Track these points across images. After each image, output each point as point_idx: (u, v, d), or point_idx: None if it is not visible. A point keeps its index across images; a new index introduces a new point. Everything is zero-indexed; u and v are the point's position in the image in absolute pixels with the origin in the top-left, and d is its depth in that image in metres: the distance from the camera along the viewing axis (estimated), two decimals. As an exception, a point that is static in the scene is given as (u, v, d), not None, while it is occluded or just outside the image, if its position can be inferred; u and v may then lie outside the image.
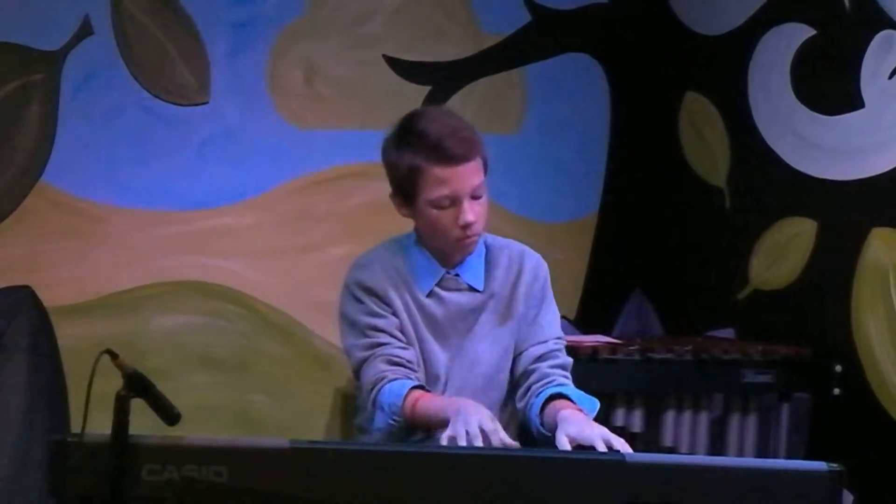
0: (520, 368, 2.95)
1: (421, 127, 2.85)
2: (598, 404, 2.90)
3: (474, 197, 2.85)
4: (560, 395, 2.84)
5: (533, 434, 2.87)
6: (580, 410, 2.79)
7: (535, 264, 3.01)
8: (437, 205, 2.84)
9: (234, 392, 4.43)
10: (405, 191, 2.88)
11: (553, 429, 2.72)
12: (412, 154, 2.83)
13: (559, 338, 3.00)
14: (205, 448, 2.29)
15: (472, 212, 2.84)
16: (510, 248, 3.02)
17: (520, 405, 2.93)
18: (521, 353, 2.96)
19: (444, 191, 2.82)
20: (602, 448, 2.59)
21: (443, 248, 2.92)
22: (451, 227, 2.86)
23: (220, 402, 4.39)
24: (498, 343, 2.96)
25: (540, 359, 2.94)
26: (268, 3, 4.44)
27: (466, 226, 2.84)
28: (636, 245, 4.98)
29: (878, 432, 4.10)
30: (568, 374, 2.97)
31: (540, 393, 2.87)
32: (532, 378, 2.92)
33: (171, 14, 4.32)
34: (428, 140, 2.82)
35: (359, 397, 3.03)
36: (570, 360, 3.00)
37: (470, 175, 2.83)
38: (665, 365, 4.22)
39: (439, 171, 2.81)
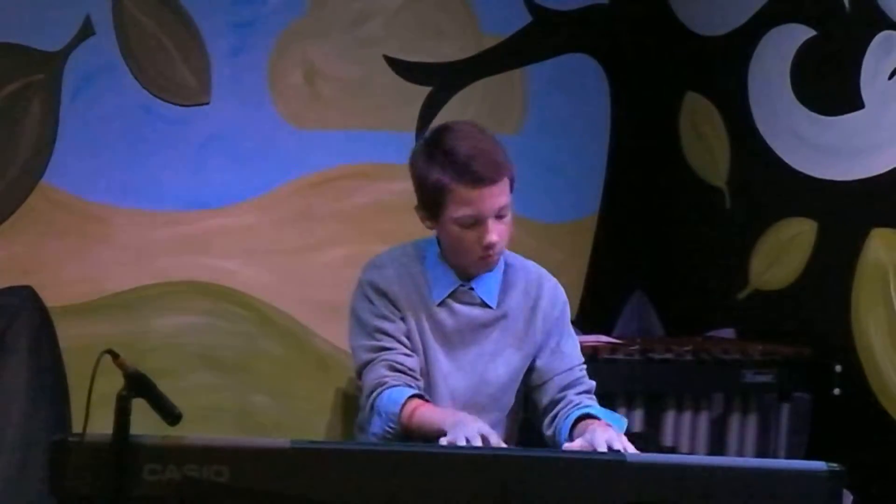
0: (547, 397, 2.96)
1: (450, 144, 2.84)
2: (625, 422, 2.90)
3: (499, 217, 2.85)
4: (587, 416, 2.85)
5: None
6: (610, 426, 2.80)
7: (554, 290, 3.02)
8: (461, 223, 2.84)
9: (234, 392, 4.44)
10: (430, 205, 2.87)
11: None
12: (440, 172, 2.82)
13: (582, 363, 3.01)
14: (206, 448, 2.29)
15: (496, 232, 2.85)
16: (528, 270, 3.02)
17: (548, 433, 2.94)
18: (546, 382, 2.96)
19: (469, 211, 2.82)
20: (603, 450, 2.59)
21: (463, 264, 2.92)
22: (473, 245, 2.86)
23: (221, 402, 4.40)
24: (509, 365, 2.96)
25: (567, 387, 2.95)
26: (268, 4, 4.44)
27: (489, 246, 2.85)
28: (636, 245, 4.98)
29: (878, 432, 4.10)
30: (593, 398, 2.97)
31: (567, 416, 2.88)
32: (560, 405, 2.93)
33: (172, 14, 4.32)
34: (456, 159, 2.81)
35: (360, 396, 3.03)
36: (593, 383, 3.00)
37: (496, 196, 2.83)
38: (665, 365, 4.23)
39: (465, 192, 2.81)
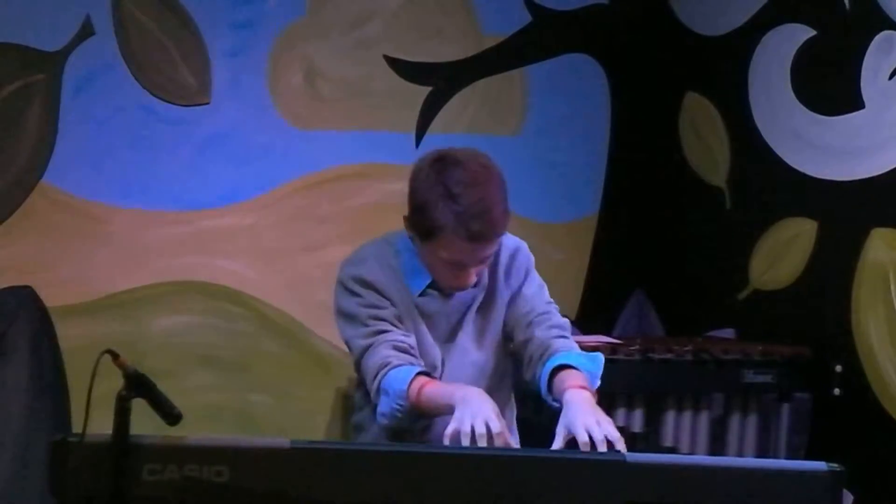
0: (517, 339, 2.96)
1: (457, 189, 2.77)
2: (601, 359, 2.89)
3: (481, 261, 2.85)
4: (564, 366, 2.84)
5: (545, 404, 2.86)
6: (584, 386, 2.78)
7: (512, 246, 3.00)
8: (444, 260, 2.84)
9: (234, 392, 4.44)
10: (420, 231, 2.84)
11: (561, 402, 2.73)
12: (439, 212, 2.77)
13: (548, 302, 3.00)
14: (206, 448, 2.30)
15: (476, 273, 2.86)
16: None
17: (527, 377, 2.94)
18: (513, 329, 2.97)
19: (456, 257, 2.82)
20: (585, 449, 2.59)
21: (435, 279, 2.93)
22: (450, 279, 2.87)
23: (220, 402, 4.40)
24: (495, 340, 2.98)
25: (531, 325, 2.95)
26: (268, 4, 4.45)
27: (465, 286, 2.87)
28: (636, 245, 4.98)
29: (878, 432, 4.11)
30: (566, 334, 2.97)
31: (546, 363, 2.87)
32: (530, 348, 2.93)
33: (172, 14, 4.33)
34: (458, 209, 2.76)
35: (356, 395, 3.03)
36: (565, 320, 3.00)
37: (486, 249, 2.83)
38: (665, 365, 4.23)
39: (458, 243, 2.78)
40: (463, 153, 2.86)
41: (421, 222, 2.83)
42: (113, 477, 2.22)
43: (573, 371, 2.83)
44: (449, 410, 2.67)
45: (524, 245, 3.04)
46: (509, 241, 3.02)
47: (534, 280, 3.02)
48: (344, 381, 4.46)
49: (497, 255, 2.97)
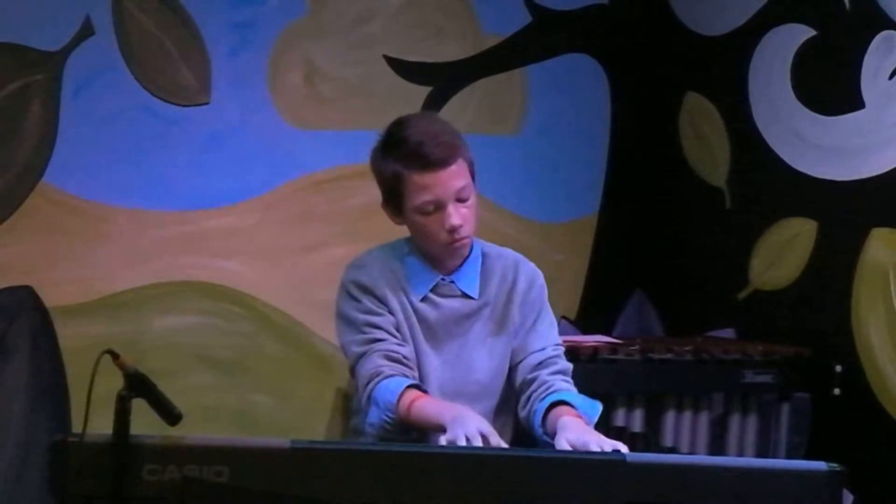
0: (520, 377, 2.96)
1: (402, 134, 2.87)
2: (600, 407, 2.90)
3: (460, 200, 2.86)
4: (562, 402, 2.84)
5: (537, 442, 2.87)
6: (581, 417, 2.80)
7: (530, 273, 3.02)
8: (422, 210, 2.86)
9: (234, 392, 4.44)
10: (393, 199, 2.91)
11: (555, 435, 2.73)
12: (394, 162, 2.86)
13: (558, 344, 3.01)
14: (206, 448, 2.30)
15: (458, 215, 2.85)
16: (505, 257, 3.03)
17: (522, 414, 2.94)
18: (520, 362, 2.97)
19: (427, 196, 2.84)
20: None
21: (435, 254, 2.94)
22: (438, 232, 2.87)
23: (220, 402, 4.40)
24: (493, 352, 2.97)
25: (539, 366, 2.95)
26: (268, 4, 4.45)
27: (453, 229, 2.86)
28: (636, 245, 4.98)
29: (878, 432, 4.11)
30: (569, 379, 2.97)
31: (543, 399, 2.88)
32: (533, 386, 2.93)
33: (172, 14, 4.33)
34: (407, 146, 2.84)
35: (354, 399, 3.04)
36: (569, 365, 3.00)
37: (452, 179, 2.84)
38: (665, 365, 4.23)
39: (419, 178, 2.83)
40: (404, 115, 2.99)
41: (387, 187, 2.90)
42: (113, 477, 2.22)
43: (571, 408, 2.83)
44: (438, 429, 2.66)
45: (541, 275, 3.05)
46: (527, 266, 3.04)
47: (548, 315, 3.03)
48: (344, 382, 4.46)
49: (515, 278, 2.99)
